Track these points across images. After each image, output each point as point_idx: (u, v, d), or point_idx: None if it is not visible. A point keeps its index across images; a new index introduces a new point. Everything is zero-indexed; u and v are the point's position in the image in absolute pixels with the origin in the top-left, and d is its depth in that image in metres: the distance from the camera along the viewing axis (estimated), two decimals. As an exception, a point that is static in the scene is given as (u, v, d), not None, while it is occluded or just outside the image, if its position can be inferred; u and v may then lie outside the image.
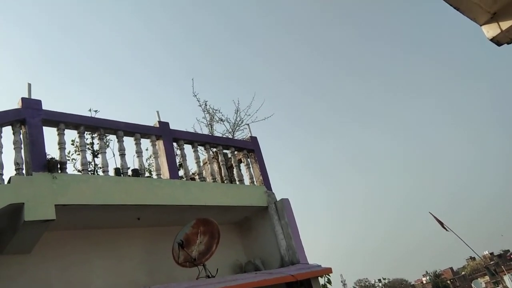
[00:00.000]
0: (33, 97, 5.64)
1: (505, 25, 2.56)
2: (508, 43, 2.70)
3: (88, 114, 6.67)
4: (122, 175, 6.21)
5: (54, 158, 5.44)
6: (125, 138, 6.48)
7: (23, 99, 5.52)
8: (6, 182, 4.95)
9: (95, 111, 6.84)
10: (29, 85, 5.68)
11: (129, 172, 6.38)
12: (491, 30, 2.59)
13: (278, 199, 7.83)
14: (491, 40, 2.62)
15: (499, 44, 2.64)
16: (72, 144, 6.94)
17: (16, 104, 5.52)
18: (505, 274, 35.72)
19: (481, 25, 2.64)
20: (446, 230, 9.25)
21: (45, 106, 5.67)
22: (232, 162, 8.14)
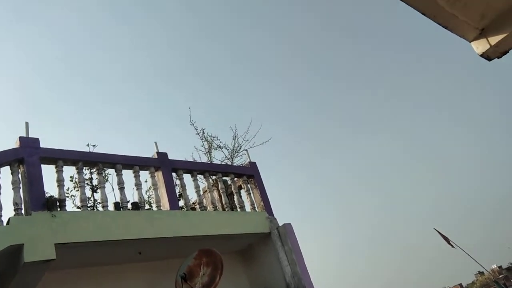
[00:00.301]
0: (31, 135, 5.65)
1: (493, 40, 2.60)
2: (498, 58, 2.74)
3: (86, 149, 6.64)
4: (121, 209, 6.16)
5: (53, 196, 5.39)
6: (124, 171, 6.46)
7: (21, 138, 5.52)
8: (5, 223, 4.89)
9: (93, 145, 6.81)
10: (27, 124, 5.69)
11: (129, 206, 6.32)
12: (480, 46, 2.63)
13: (280, 223, 7.75)
14: (481, 55, 2.65)
15: (489, 59, 2.67)
16: (71, 181, 6.87)
17: (14, 144, 5.52)
18: (515, 288, 35.08)
19: (470, 42, 2.68)
20: (452, 246, 9.12)
21: (43, 141, 5.67)
22: (232, 189, 8.09)
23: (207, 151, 9.17)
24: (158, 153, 7.07)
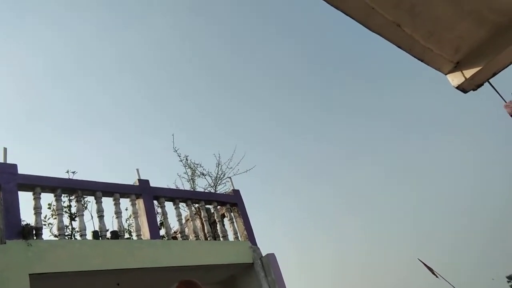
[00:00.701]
0: (9, 159, 5.54)
1: (468, 73, 2.68)
2: (474, 90, 2.82)
3: (65, 175, 6.54)
4: (100, 238, 6.00)
5: (29, 224, 5.24)
6: (104, 199, 6.33)
7: (-3, 164, 5.40)
8: (-24, 252, 4.71)
9: (73, 172, 6.72)
10: (5, 149, 5.59)
11: (108, 235, 6.18)
12: (455, 79, 2.70)
13: (264, 253, 7.64)
14: (457, 88, 2.73)
15: (464, 91, 2.75)
16: (49, 208, 6.73)
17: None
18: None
19: (446, 74, 2.76)
20: (437, 276, 9.09)
21: (20, 166, 5.54)
22: (215, 217, 7.99)
23: (190, 178, 9.10)
24: (139, 180, 6.98)
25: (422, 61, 2.43)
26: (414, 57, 2.38)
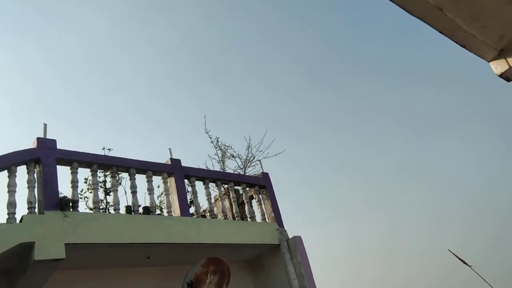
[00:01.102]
0: (49, 135, 5.75)
1: (513, 61, 2.54)
2: (517, 79, 2.68)
3: (101, 152, 6.74)
4: (133, 213, 6.19)
5: (66, 197, 5.46)
6: (137, 176, 6.50)
7: (38, 139, 5.62)
8: (18, 220, 4.96)
9: (109, 149, 6.92)
10: (45, 125, 5.80)
11: (140, 210, 6.36)
12: (499, 67, 2.58)
13: (290, 236, 7.68)
14: (500, 76, 2.60)
15: (508, 80, 2.62)
16: (85, 182, 6.98)
17: (30, 144, 5.62)
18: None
19: (489, 62, 2.63)
20: (469, 266, 8.87)
21: (58, 142, 5.76)
22: (244, 198, 8.06)
23: (220, 159, 9.18)
24: (171, 159, 7.11)
25: (464, 47, 2.32)
26: (456, 43, 2.28)
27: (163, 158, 7.17)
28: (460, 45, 2.33)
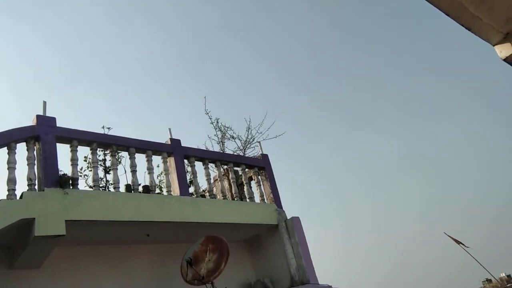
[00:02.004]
0: (48, 113, 5.72)
1: (518, 45, 2.50)
2: (522, 63, 2.64)
3: (101, 131, 6.71)
4: (132, 191, 6.21)
5: (66, 174, 5.46)
6: (137, 155, 6.50)
7: (38, 116, 5.59)
8: (18, 197, 4.98)
9: (108, 128, 6.88)
10: (45, 103, 5.75)
11: (140, 189, 6.38)
12: (504, 50, 2.54)
13: (288, 217, 7.73)
14: (505, 60, 2.56)
15: (512, 64, 2.58)
16: (85, 161, 6.97)
17: (31, 121, 5.60)
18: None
19: (493, 45, 2.59)
20: (467, 247, 8.96)
21: (59, 120, 5.73)
22: (243, 179, 8.08)
23: (220, 140, 9.17)
24: (171, 139, 7.10)
25: (469, 30, 2.28)
26: (462, 25, 2.23)
27: (163, 139, 7.16)
28: (466, 28, 2.29)
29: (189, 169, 7.36)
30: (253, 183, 8.28)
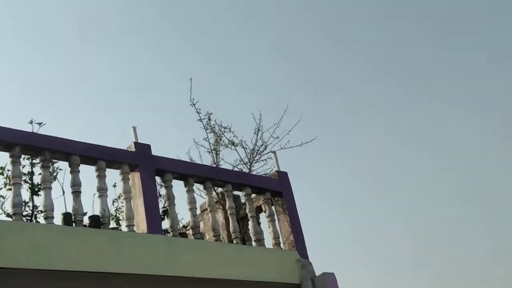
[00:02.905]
0: None
1: None
2: None
3: (28, 128, 6.70)
4: (74, 224, 6.20)
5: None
6: (83, 167, 6.51)
7: None
8: None
9: (39, 123, 6.85)
10: None
11: (86, 220, 6.38)
12: None
13: (317, 273, 7.69)
14: None
15: None
16: (2, 174, 6.96)
17: None
18: None
19: None
20: None
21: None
22: (247, 210, 8.06)
23: (212, 148, 9.16)
24: (136, 143, 7.08)
25: None
26: None
27: (123, 144, 7.15)
28: None
29: (163, 191, 7.36)
30: (263, 216, 8.27)
